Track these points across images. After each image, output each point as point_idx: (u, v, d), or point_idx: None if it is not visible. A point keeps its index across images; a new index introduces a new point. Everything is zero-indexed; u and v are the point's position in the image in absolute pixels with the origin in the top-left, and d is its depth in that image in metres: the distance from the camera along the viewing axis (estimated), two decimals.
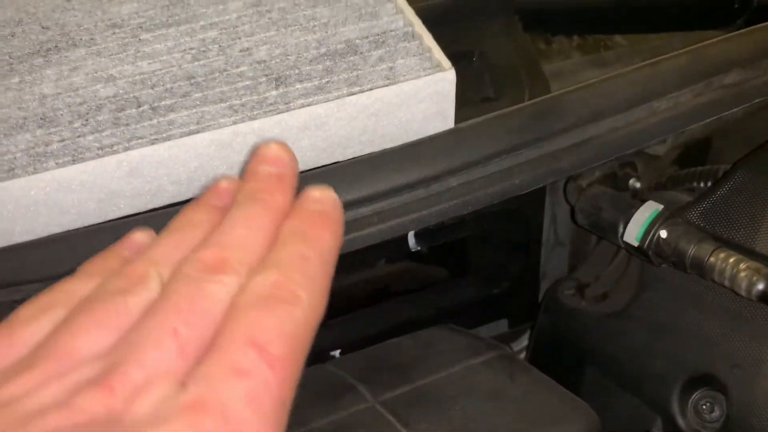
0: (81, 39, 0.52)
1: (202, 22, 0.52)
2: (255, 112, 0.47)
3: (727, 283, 0.49)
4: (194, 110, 0.47)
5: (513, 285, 0.77)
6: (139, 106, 0.47)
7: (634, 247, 0.55)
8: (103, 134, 0.46)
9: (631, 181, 0.68)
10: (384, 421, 0.54)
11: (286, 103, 0.47)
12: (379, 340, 0.68)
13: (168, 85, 0.49)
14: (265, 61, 0.49)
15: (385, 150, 0.49)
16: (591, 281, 0.68)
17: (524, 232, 0.74)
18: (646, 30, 0.75)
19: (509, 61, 0.66)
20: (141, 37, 0.51)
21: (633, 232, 0.54)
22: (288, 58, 0.49)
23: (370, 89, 0.47)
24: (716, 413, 0.54)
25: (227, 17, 0.53)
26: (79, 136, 0.46)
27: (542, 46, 0.78)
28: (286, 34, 0.51)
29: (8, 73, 0.50)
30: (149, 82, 0.49)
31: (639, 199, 0.62)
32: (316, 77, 0.48)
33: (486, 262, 0.77)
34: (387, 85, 0.47)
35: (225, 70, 0.49)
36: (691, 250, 0.51)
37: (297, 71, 0.48)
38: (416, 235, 0.68)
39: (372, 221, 0.48)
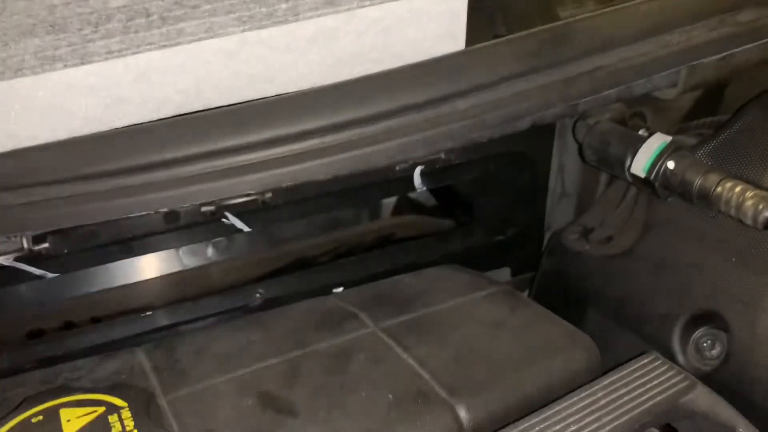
0: None
1: None
2: (263, 23, 0.46)
3: (733, 212, 0.49)
4: (203, 20, 0.47)
5: (518, 233, 0.76)
6: (149, 16, 0.47)
7: (641, 178, 0.54)
8: (112, 40, 0.46)
9: (641, 131, 0.67)
10: (384, 346, 0.54)
11: (296, 15, 0.47)
12: (385, 275, 0.68)
13: None
14: None
15: (393, 68, 0.48)
16: (596, 226, 0.68)
17: (531, 180, 0.74)
18: None
19: (523, 2, 0.66)
20: None
21: (640, 164, 0.54)
22: None
23: (381, 2, 0.46)
24: (717, 350, 0.54)
25: None
26: (88, 42, 0.46)
27: None
28: None
29: None
30: None
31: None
32: None
33: (491, 209, 0.76)
34: None
35: None
36: (698, 181, 0.51)
37: None
38: (422, 175, 0.68)
39: (379, 139, 0.48)
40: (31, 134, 0.46)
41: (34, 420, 0.42)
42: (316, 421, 0.47)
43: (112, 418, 0.41)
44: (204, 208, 0.52)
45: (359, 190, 0.62)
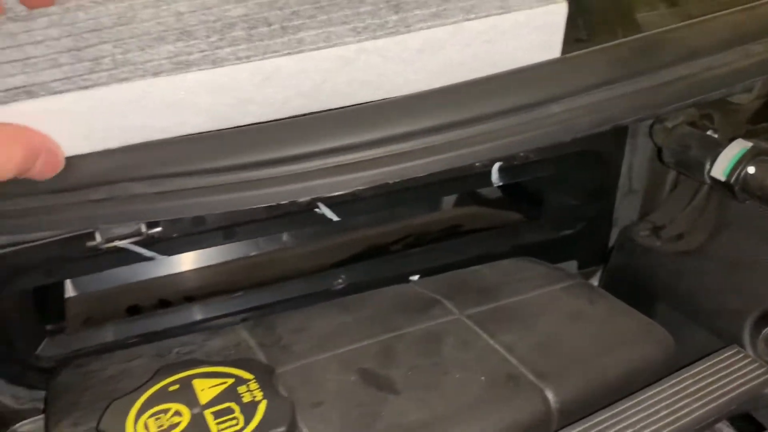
0: None
1: None
2: (377, 33, 0.50)
3: None
4: (321, 30, 0.51)
5: (586, 227, 0.79)
6: (270, 25, 0.51)
7: (720, 182, 0.57)
8: (239, 48, 0.50)
9: (709, 132, 0.70)
10: (470, 331, 0.58)
11: (406, 27, 0.50)
12: (459, 266, 0.72)
13: (294, 8, 0.52)
14: None
15: (494, 74, 0.52)
16: (666, 223, 0.71)
17: (602, 177, 0.77)
18: None
19: (602, 5, 0.69)
20: None
21: (720, 168, 0.57)
22: None
23: (486, 16, 0.50)
24: None
25: None
26: (216, 48, 0.50)
27: None
28: None
29: None
30: (276, 5, 0.53)
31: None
32: (433, 4, 0.52)
33: (561, 204, 0.80)
34: (501, 14, 0.50)
35: None
36: None
37: None
38: (500, 170, 0.71)
39: (479, 140, 0.51)
40: (162, 127, 0.51)
41: (170, 389, 0.47)
42: (416, 399, 0.51)
43: (242, 389, 0.46)
44: (301, 199, 0.56)
45: (440, 183, 0.65)
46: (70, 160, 0.49)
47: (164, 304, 0.77)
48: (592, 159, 0.73)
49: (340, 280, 0.73)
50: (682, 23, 0.55)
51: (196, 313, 0.70)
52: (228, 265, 0.81)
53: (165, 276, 0.80)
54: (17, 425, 0.62)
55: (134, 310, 0.76)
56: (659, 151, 0.65)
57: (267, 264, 0.82)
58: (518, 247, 0.78)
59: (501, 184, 0.73)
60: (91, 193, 0.51)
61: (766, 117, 0.77)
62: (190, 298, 0.76)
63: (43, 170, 0.46)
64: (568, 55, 0.53)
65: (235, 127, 0.51)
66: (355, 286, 0.72)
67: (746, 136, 0.72)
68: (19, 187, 0.49)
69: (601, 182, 0.77)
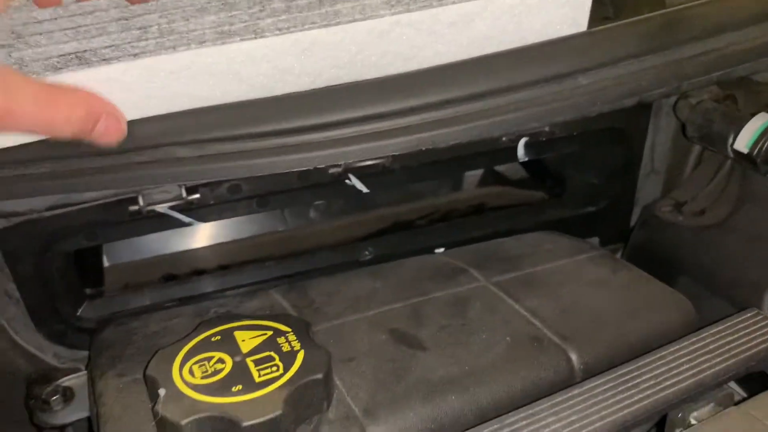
0: None
1: None
2: (411, 6, 0.52)
3: None
4: (356, 3, 0.53)
5: (608, 205, 0.81)
6: None
7: (743, 154, 0.59)
8: (279, 18, 0.52)
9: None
10: (497, 297, 0.60)
11: (439, 0, 0.52)
12: (482, 239, 0.74)
13: None
14: None
15: (523, 46, 0.54)
16: (688, 200, 0.73)
17: (625, 155, 0.78)
18: None
19: None
20: None
21: (744, 140, 0.58)
22: None
23: None
24: None
25: None
26: (257, 19, 0.52)
27: None
28: None
29: None
30: None
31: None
32: None
33: (585, 181, 0.81)
34: None
35: None
36: None
37: None
38: (526, 146, 0.73)
39: (509, 109, 0.53)
40: (205, 95, 0.53)
41: (213, 339, 0.49)
42: (444, 355, 0.53)
43: (280, 339, 0.49)
44: (332, 170, 0.58)
45: (467, 158, 0.67)
46: None
47: (198, 274, 0.80)
48: (616, 136, 0.75)
49: (367, 252, 0.75)
50: (707, 0, 0.57)
51: (230, 280, 0.73)
52: (259, 238, 0.84)
53: (199, 248, 0.83)
54: (60, 380, 0.65)
55: (170, 278, 0.79)
56: (683, 127, 0.66)
57: (297, 238, 0.84)
58: (542, 223, 0.80)
59: (526, 159, 0.75)
60: (137, 155, 0.53)
61: None
62: (223, 267, 0.79)
63: (105, 134, 0.48)
64: (595, 29, 0.54)
65: (273, 96, 0.54)
66: (381, 257, 0.74)
67: None
68: (69, 148, 0.52)
69: (624, 160, 0.79)
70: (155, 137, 0.53)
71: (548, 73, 0.54)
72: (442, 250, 0.77)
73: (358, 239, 0.79)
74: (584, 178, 0.81)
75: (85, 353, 0.68)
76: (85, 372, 0.66)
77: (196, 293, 0.71)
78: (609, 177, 0.80)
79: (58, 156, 0.53)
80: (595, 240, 0.84)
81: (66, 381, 0.65)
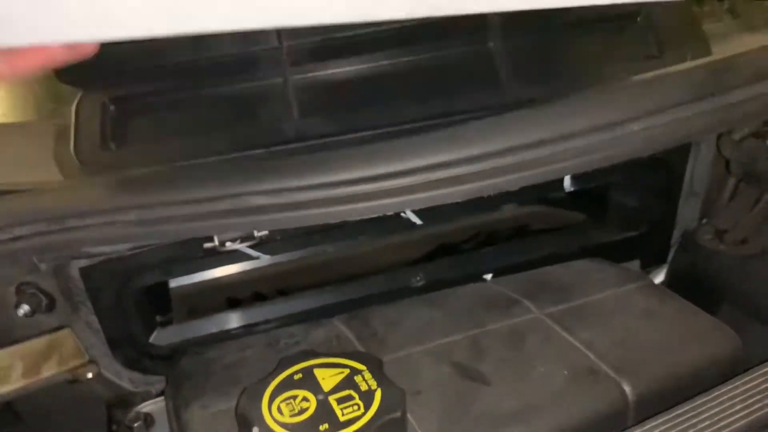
0: None
1: None
2: None
3: None
4: None
5: (649, 229, 0.84)
6: None
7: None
8: None
9: None
10: (551, 329, 0.64)
11: None
12: (525, 269, 0.77)
13: None
14: None
15: (578, 96, 0.57)
16: (729, 228, 0.75)
17: (666, 181, 0.81)
18: None
19: (671, 22, 0.73)
20: None
21: None
22: None
23: None
24: None
25: None
26: None
27: (696, 8, 0.83)
28: None
29: None
30: None
31: None
32: None
33: (627, 206, 0.84)
34: None
35: None
36: None
37: None
38: (572, 177, 0.76)
39: (567, 156, 0.56)
40: None
41: (295, 377, 0.53)
42: (506, 388, 0.57)
43: (357, 378, 0.52)
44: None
45: (515, 192, 0.70)
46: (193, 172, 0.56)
47: (258, 296, 0.84)
48: (658, 165, 0.78)
49: (419, 278, 0.79)
50: (749, 49, 0.59)
51: (290, 306, 0.77)
52: (315, 261, 0.87)
53: (257, 269, 0.87)
54: (140, 406, 0.70)
55: (232, 302, 0.83)
56: (727, 163, 0.69)
57: (351, 261, 0.88)
58: (584, 247, 0.83)
59: (572, 189, 0.79)
60: (218, 203, 0.57)
61: None
62: (281, 292, 0.83)
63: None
64: (646, 77, 0.57)
65: (344, 151, 0.57)
66: (432, 283, 0.78)
67: None
68: (154, 197, 0.56)
69: (665, 186, 0.81)
70: (234, 186, 0.57)
71: (602, 122, 0.57)
72: (490, 275, 0.80)
73: (409, 264, 0.83)
74: (625, 202, 0.84)
75: (156, 378, 0.73)
76: (160, 398, 0.70)
77: (260, 320, 0.75)
78: (650, 201, 0.83)
79: (144, 205, 0.57)
80: (636, 263, 0.87)
81: (145, 407, 0.70)
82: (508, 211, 0.99)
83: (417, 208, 0.57)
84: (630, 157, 0.58)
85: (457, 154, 0.56)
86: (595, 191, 0.91)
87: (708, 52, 0.71)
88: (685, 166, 0.80)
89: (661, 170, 0.79)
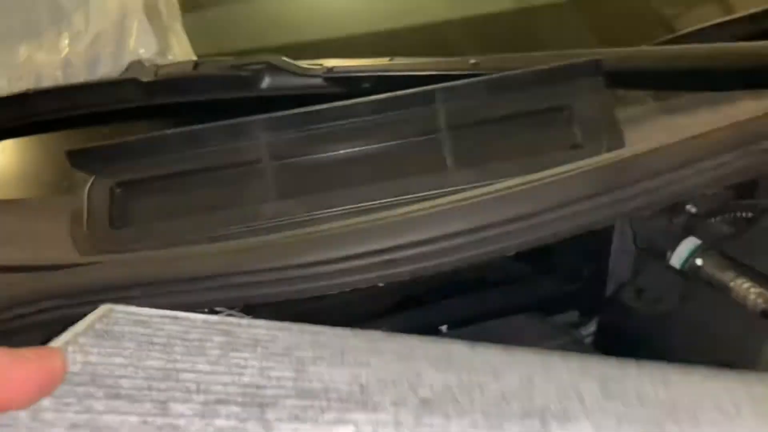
0: None
1: None
2: None
3: (740, 301, 0.69)
4: None
5: (584, 284, 0.97)
6: None
7: (677, 270, 0.74)
8: None
9: (688, 206, 0.87)
10: None
11: None
12: (479, 319, 0.90)
13: None
14: None
15: (503, 189, 0.69)
16: (647, 288, 0.88)
17: (595, 243, 0.94)
18: (710, 88, 0.92)
19: (593, 114, 0.85)
20: None
21: (677, 260, 0.74)
22: None
23: None
24: None
25: None
26: None
27: (621, 93, 0.96)
28: None
29: None
30: None
31: (688, 227, 0.81)
32: None
33: (564, 264, 0.97)
34: None
35: None
36: (717, 276, 0.71)
37: None
38: None
39: (493, 241, 0.69)
40: None
41: None
42: None
43: None
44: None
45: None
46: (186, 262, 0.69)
47: None
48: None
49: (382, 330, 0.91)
50: (643, 150, 0.72)
51: None
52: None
53: None
54: None
55: None
56: (634, 235, 0.82)
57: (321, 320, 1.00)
58: (529, 299, 0.96)
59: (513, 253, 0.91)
60: (208, 282, 0.70)
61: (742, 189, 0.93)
62: None
63: None
64: (561, 171, 0.70)
65: (312, 235, 0.70)
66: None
67: (719, 210, 0.89)
68: (154, 275, 0.69)
69: (594, 247, 0.94)
70: (218, 267, 0.70)
71: (524, 211, 0.69)
72: (445, 327, 0.93)
73: (374, 318, 0.95)
74: (561, 260, 0.97)
75: None
76: None
77: None
78: (581, 259, 0.96)
79: (144, 283, 0.70)
80: (575, 313, 1.00)
81: None
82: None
83: (367, 285, 0.69)
84: (541, 243, 0.70)
85: (402, 239, 0.69)
86: (541, 251, 1.04)
87: (621, 143, 0.83)
88: (611, 230, 0.93)
89: (589, 234, 0.91)
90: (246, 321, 0.63)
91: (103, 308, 0.59)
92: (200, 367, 0.53)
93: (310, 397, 0.51)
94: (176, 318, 0.60)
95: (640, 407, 0.57)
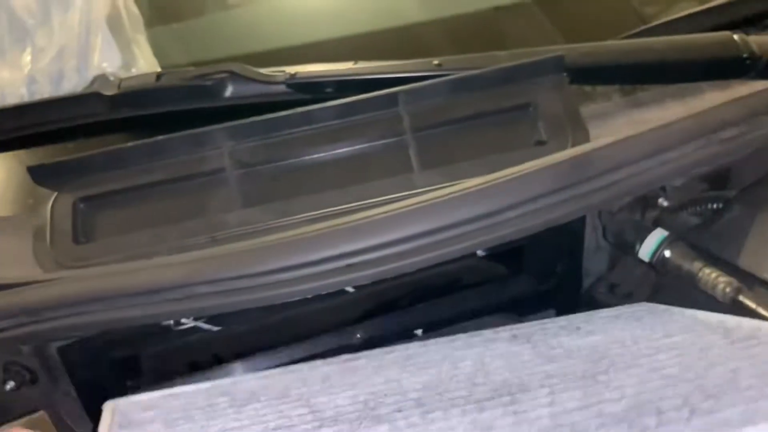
0: None
1: None
2: None
3: (710, 291, 0.68)
4: None
5: (560, 282, 0.96)
6: None
7: (645, 262, 0.74)
8: None
9: (660, 200, 0.86)
10: None
11: None
12: (455, 321, 0.89)
13: None
14: None
15: (468, 188, 0.69)
16: (620, 282, 0.87)
17: (568, 241, 0.93)
18: (674, 81, 0.92)
19: (557, 111, 0.85)
20: None
21: (645, 251, 0.73)
22: None
23: None
24: None
25: None
26: None
27: (588, 89, 0.96)
28: None
29: None
30: None
31: (657, 220, 0.80)
32: None
33: (539, 263, 0.96)
34: None
35: None
36: (686, 266, 0.70)
37: None
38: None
39: (455, 241, 0.68)
40: None
41: None
42: None
43: None
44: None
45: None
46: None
47: (216, 359, 0.95)
48: (558, 228, 0.90)
49: (358, 335, 0.90)
50: (607, 142, 0.72)
51: (243, 367, 0.88)
52: (262, 327, 0.98)
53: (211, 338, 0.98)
54: None
55: (193, 366, 0.94)
56: (604, 230, 0.81)
57: (295, 325, 0.99)
58: (504, 299, 0.95)
59: (484, 254, 0.91)
60: (168, 293, 0.69)
61: (714, 181, 0.92)
62: (238, 355, 0.94)
63: None
64: (518, 174, 0.70)
65: (269, 244, 0.69)
66: (371, 340, 0.90)
67: (689, 202, 0.88)
68: (115, 290, 0.68)
69: (567, 245, 0.93)
70: (181, 278, 0.69)
71: (482, 211, 0.69)
72: (420, 331, 0.92)
73: (349, 324, 0.94)
74: (535, 259, 0.96)
75: None
76: None
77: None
78: (555, 258, 0.95)
79: (105, 297, 0.69)
80: (552, 312, 0.99)
81: None
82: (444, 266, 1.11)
83: (334, 290, 0.68)
84: (506, 240, 0.70)
85: (363, 243, 0.68)
86: (515, 250, 1.03)
87: (586, 138, 0.83)
88: (583, 227, 0.92)
89: (562, 233, 0.91)
90: (228, 380, 0.68)
91: (109, 404, 0.64)
92: (230, 425, 0.57)
93: (334, 424, 0.55)
94: (175, 394, 0.65)
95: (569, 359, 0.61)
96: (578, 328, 0.68)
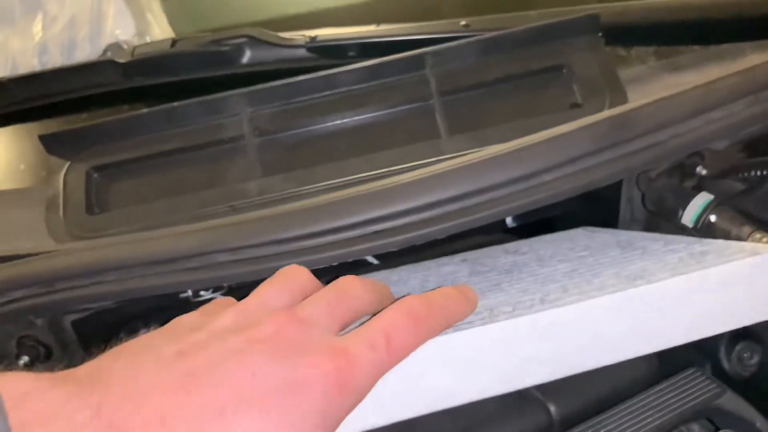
0: None
1: None
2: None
3: None
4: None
5: None
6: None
7: (689, 228, 0.69)
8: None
9: (698, 168, 0.81)
10: None
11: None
12: None
13: None
14: None
15: (499, 151, 0.65)
16: None
17: (603, 212, 0.89)
18: (715, 41, 0.87)
19: (592, 72, 0.81)
20: None
21: (689, 217, 0.68)
22: None
23: None
24: (754, 360, 0.69)
25: None
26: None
27: (622, 51, 0.92)
28: None
29: None
30: None
31: (698, 187, 0.76)
32: None
33: None
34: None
35: None
36: (734, 232, 0.65)
37: None
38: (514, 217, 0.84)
39: (486, 207, 0.64)
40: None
41: None
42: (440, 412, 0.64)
43: None
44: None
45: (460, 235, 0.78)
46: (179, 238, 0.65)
47: None
48: (593, 197, 0.85)
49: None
50: (649, 101, 0.67)
51: None
52: None
53: None
54: None
55: None
56: (643, 197, 0.77)
57: None
58: None
59: (514, 225, 0.87)
60: (187, 262, 0.66)
61: (754, 150, 0.88)
62: None
63: None
64: (555, 134, 0.65)
65: (290, 210, 0.65)
66: None
67: (730, 170, 0.84)
68: (131, 259, 0.65)
69: (601, 216, 0.89)
70: (200, 246, 0.65)
71: (517, 174, 0.65)
72: None
73: None
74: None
75: None
76: None
77: None
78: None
79: (121, 266, 0.66)
80: None
81: None
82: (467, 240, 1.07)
83: (358, 258, 0.65)
84: (542, 205, 0.65)
85: (390, 209, 0.64)
86: (539, 223, 0.99)
87: (624, 100, 0.79)
88: (618, 197, 0.88)
89: (596, 202, 0.86)
90: None
91: None
92: None
93: None
94: None
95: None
96: (516, 251, 0.71)
